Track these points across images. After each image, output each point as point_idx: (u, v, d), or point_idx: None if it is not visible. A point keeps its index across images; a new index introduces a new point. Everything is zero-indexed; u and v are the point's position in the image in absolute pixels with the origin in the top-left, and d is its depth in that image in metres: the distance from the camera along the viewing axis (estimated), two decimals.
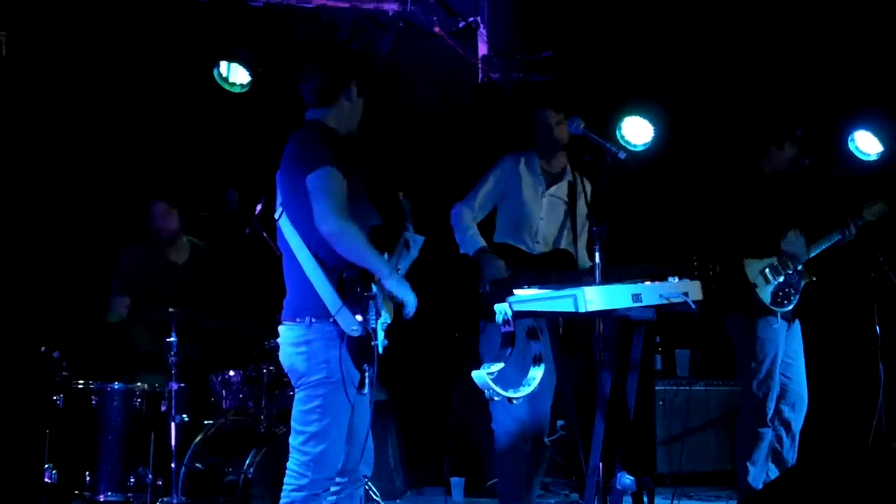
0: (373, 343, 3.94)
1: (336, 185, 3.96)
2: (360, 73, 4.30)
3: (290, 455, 4.02)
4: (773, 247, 5.84)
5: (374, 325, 3.95)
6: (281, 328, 4.10)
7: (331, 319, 3.92)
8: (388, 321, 4.08)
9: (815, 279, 5.93)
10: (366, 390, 3.97)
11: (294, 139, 4.13)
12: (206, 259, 6.37)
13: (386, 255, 4.13)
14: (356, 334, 3.90)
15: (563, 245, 5.57)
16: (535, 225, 5.51)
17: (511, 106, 7.38)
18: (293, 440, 4.03)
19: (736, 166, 6.16)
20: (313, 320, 3.96)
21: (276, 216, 4.14)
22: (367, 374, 3.95)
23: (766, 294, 5.76)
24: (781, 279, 5.80)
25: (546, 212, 5.54)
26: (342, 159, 4.05)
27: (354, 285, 3.92)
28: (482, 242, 5.41)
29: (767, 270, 5.79)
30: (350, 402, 3.97)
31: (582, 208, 5.59)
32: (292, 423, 4.04)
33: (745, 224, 5.85)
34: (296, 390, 4.07)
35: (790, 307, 5.82)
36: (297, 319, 4.01)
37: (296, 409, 4.04)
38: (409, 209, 4.46)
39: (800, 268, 5.87)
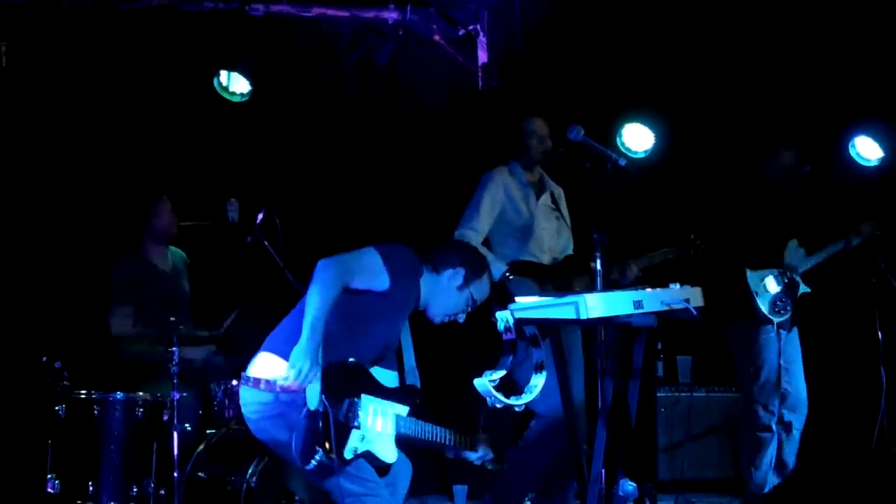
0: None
1: (358, 258, 4.09)
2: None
3: None
4: (776, 257, 5.86)
5: (339, 418, 3.95)
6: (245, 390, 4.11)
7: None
8: (366, 447, 4.08)
9: (809, 290, 5.96)
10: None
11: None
12: (188, 266, 6.40)
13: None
14: (312, 408, 3.88)
15: (562, 252, 5.58)
16: (539, 236, 5.50)
17: (511, 113, 7.40)
18: None
19: (739, 173, 6.17)
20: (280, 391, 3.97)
21: None
22: (316, 457, 3.90)
23: (765, 303, 5.78)
24: (781, 288, 5.82)
25: (545, 221, 5.54)
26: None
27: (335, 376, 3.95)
28: (504, 265, 5.31)
29: (770, 278, 5.80)
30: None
31: (566, 212, 5.67)
32: None
33: (748, 233, 5.87)
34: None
35: (787, 316, 5.84)
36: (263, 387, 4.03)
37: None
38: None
39: (797, 278, 5.90)
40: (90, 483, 5.33)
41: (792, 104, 7.12)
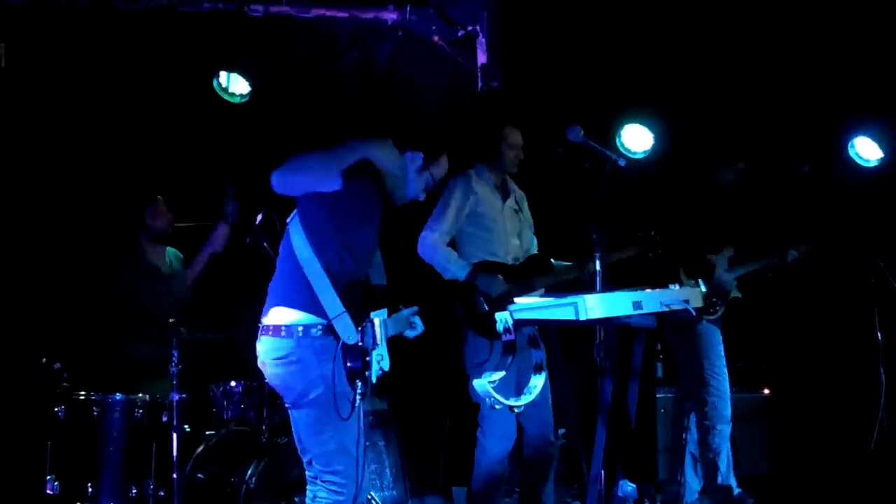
0: (367, 358, 3.93)
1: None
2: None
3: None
4: (707, 269, 5.88)
5: (369, 345, 3.94)
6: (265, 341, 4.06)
7: (318, 329, 3.92)
8: (382, 366, 4.07)
9: (740, 296, 5.98)
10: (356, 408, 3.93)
11: None
12: (184, 264, 6.47)
13: None
14: (351, 342, 3.88)
15: (525, 253, 5.62)
16: (503, 238, 5.56)
17: (510, 114, 7.40)
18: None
19: (693, 178, 6.20)
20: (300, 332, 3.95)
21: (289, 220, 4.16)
22: (357, 392, 3.90)
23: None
24: (708, 290, 5.85)
25: (509, 223, 5.60)
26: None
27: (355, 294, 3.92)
28: (469, 265, 5.39)
29: (701, 281, 5.84)
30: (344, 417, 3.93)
31: (529, 215, 5.75)
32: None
33: (685, 238, 5.90)
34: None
35: (716, 316, 5.87)
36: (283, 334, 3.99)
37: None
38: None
39: (724, 284, 5.92)
40: (89, 484, 5.34)
41: (792, 104, 7.12)
